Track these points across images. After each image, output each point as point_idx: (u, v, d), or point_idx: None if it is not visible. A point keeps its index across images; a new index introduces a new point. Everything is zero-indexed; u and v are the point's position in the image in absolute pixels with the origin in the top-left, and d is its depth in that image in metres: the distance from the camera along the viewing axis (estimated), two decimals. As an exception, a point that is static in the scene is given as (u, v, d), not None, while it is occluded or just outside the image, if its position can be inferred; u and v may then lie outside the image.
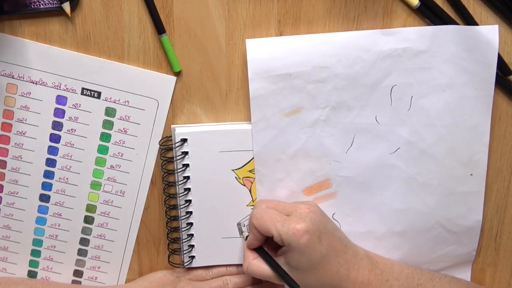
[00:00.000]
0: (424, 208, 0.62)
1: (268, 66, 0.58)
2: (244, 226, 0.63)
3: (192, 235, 0.63)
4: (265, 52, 0.58)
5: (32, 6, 0.57)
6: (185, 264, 0.64)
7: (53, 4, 0.57)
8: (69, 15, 0.57)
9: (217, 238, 0.63)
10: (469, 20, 0.59)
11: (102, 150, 0.61)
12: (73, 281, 0.65)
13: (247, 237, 0.60)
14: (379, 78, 0.59)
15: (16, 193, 0.62)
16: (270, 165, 0.61)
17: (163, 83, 0.60)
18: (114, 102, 0.60)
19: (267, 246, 0.59)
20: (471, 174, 0.62)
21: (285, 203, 0.60)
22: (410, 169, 0.61)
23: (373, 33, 0.58)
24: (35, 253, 0.64)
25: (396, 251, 0.63)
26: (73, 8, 0.58)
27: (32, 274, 0.65)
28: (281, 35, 0.59)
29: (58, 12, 0.58)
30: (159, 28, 0.58)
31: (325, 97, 0.59)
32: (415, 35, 0.58)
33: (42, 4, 0.57)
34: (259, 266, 0.57)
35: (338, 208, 0.62)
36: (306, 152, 0.61)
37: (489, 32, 0.58)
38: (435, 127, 0.60)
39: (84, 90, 0.60)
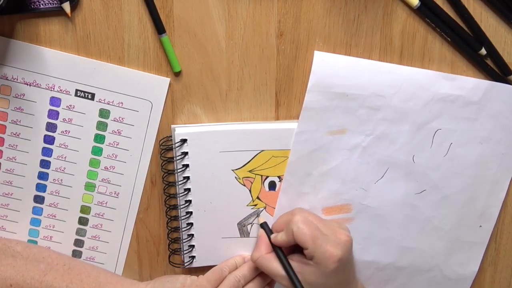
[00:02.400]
0: (429, 250, 0.64)
1: (329, 82, 0.59)
2: (256, 218, 0.63)
3: (192, 235, 0.63)
4: (330, 68, 0.59)
5: (32, 6, 0.57)
6: (185, 264, 0.64)
7: (53, 4, 0.57)
8: (69, 15, 0.57)
9: (217, 238, 0.63)
10: (469, 20, 0.59)
11: (96, 151, 0.61)
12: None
13: (261, 224, 0.61)
14: (428, 119, 0.60)
15: (11, 195, 0.62)
16: (299, 177, 0.61)
17: (157, 85, 0.60)
18: (108, 104, 0.60)
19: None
20: (480, 226, 0.64)
21: (324, 221, 0.59)
22: (428, 212, 0.63)
23: (434, 74, 0.59)
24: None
25: (389, 284, 0.65)
26: (73, 8, 0.58)
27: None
28: (281, 35, 0.59)
29: (58, 12, 0.58)
30: (159, 28, 0.58)
31: (373, 124, 0.60)
32: (471, 86, 0.60)
33: (42, 4, 0.57)
34: (270, 262, 0.58)
35: (351, 234, 0.63)
36: (337, 173, 0.61)
37: None
38: (463, 176, 0.62)
39: (78, 92, 0.60)
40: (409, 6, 0.59)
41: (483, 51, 0.60)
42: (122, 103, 0.60)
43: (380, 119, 0.60)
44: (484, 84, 0.60)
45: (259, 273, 0.61)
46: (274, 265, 0.58)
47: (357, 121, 0.60)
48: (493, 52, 0.60)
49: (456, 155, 0.61)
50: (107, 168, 0.62)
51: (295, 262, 0.58)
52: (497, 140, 0.61)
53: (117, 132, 0.61)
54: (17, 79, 0.59)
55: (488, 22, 0.60)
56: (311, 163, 0.61)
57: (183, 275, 0.60)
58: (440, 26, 0.59)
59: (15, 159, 0.61)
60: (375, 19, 0.59)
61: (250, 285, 0.60)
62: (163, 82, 0.60)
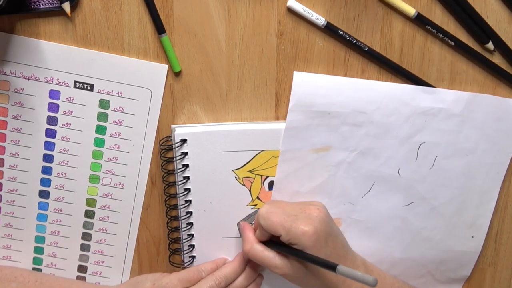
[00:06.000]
0: (421, 260, 0.64)
1: (310, 101, 0.59)
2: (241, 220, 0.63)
3: (192, 235, 0.63)
4: (310, 87, 0.59)
5: (32, 6, 0.57)
6: (185, 264, 0.64)
7: (53, 4, 0.57)
8: (69, 15, 0.57)
9: (217, 238, 0.63)
10: (473, 15, 0.59)
11: (99, 143, 0.61)
12: (78, 277, 0.65)
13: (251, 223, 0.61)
14: (411, 133, 0.60)
15: (16, 191, 0.62)
16: (287, 196, 0.62)
17: (156, 72, 0.59)
18: (108, 94, 0.60)
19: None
20: (472, 237, 0.64)
21: (293, 203, 0.60)
22: (418, 223, 0.63)
23: (414, 88, 0.60)
24: (38, 250, 0.64)
25: None
26: (73, 8, 0.58)
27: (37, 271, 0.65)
28: (281, 35, 0.59)
29: (58, 12, 0.58)
30: (159, 28, 0.58)
31: (356, 141, 0.60)
32: (452, 98, 0.60)
33: (42, 4, 0.57)
34: (262, 251, 0.57)
35: None
36: (324, 189, 0.62)
37: None
38: (450, 187, 0.62)
39: (77, 83, 0.59)
40: (406, 16, 0.59)
41: (491, 45, 0.60)
42: (121, 92, 0.60)
43: (363, 135, 0.60)
44: (465, 95, 0.60)
45: (243, 273, 0.61)
46: (266, 253, 0.57)
47: (340, 138, 0.60)
48: (501, 45, 0.60)
49: (442, 167, 0.62)
50: (110, 159, 0.62)
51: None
52: (483, 151, 0.62)
53: (118, 122, 0.61)
54: (15, 74, 0.59)
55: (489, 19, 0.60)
56: (298, 181, 0.61)
57: (153, 274, 0.61)
58: (442, 32, 0.59)
59: (18, 155, 0.61)
60: (375, 19, 0.59)
61: (235, 284, 0.60)
62: (161, 68, 0.59)
